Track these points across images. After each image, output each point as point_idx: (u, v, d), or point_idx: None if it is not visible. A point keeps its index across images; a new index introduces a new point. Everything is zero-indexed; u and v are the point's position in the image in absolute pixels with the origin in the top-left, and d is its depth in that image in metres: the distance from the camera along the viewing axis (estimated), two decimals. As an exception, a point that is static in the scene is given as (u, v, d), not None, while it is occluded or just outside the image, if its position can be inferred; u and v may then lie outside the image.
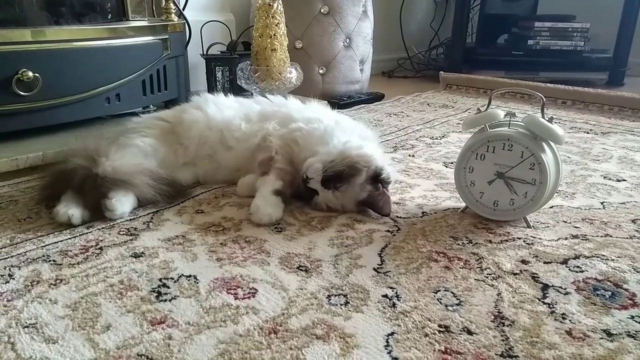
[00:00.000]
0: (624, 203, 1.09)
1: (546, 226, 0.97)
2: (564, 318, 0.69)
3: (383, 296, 0.73)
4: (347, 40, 2.20)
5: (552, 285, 0.76)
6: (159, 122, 1.19)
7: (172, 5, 1.66)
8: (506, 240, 0.91)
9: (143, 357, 0.60)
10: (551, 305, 0.71)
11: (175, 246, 0.87)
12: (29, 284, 0.75)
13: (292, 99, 1.27)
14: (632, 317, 0.69)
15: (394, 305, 0.71)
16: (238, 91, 1.73)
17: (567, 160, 1.39)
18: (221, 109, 1.19)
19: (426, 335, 0.65)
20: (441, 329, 0.66)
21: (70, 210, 0.93)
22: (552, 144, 0.95)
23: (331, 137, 1.06)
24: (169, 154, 1.13)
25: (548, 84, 2.24)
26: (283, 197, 1.00)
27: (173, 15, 1.67)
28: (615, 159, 1.42)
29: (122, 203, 0.96)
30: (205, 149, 1.15)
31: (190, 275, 0.78)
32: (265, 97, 1.27)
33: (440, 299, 0.72)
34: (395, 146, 1.51)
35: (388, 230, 0.94)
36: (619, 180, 1.24)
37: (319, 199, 1.01)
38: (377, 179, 1.00)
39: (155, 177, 1.02)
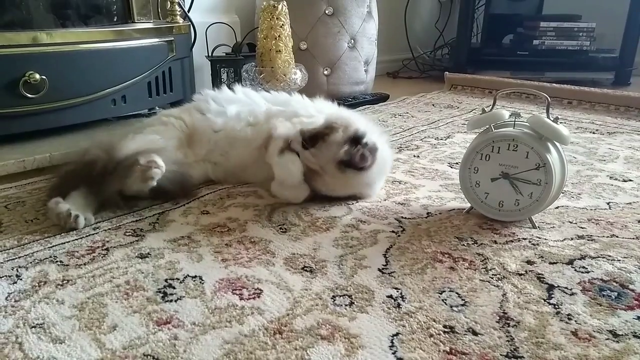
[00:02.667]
0: (630, 203, 1.09)
1: (552, 227, 0.96)
2: (569, 319, 0.68)
3: (388, 297, 0.73)
4: (352, 41, 2.20)
5: (558, 286, 0.76)
6: (164, 118, 1.19)
7: (177, 7, 1.67)
8: (511, 241, 0.90)
9: (149, 357, 0.61)
10: (557, 306, 0.71)
11: (180, 247, 0.88)
12: (36, 284, 0.76)
13: (296, 95, 1.28)
14: (638, 317, 0.68)
15: (398, 305, 0.71)
16: (243, 92, 1.74)
17: (572, 160, 1.39)
18: (224, 106, 1.19)
19: (431, 335, 0.65)
20: (446, 330, 0.66)
21: (74, 212, 0.93)
22: (557, 144, 0.95)
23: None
24: (177, 153, 1.13)
25: (554, 84, 2.23)
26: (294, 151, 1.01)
27: (178, 17, 1.68)
28: (622, 159, 1.41)
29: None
30: (215, 153, 1.16)
31: (195, 276, 0.78)
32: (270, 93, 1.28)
33: (445, 300, 0.72)
34: (400, 147, 1.51)
35: (393, 231, 0.94)
36: (625, 181, 1.23)
37: (301, 159, 1.02)
38: (358, 142, 1.00)
39: (173, 161, 1.03)
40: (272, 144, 1.05)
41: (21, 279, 0.77)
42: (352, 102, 2.14)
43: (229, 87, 1.28)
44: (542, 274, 0.79)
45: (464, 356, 0.61)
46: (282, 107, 1.20)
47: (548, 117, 0.93)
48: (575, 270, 0.80)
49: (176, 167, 1.06)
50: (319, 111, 1.16)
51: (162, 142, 1.09)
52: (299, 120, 1.09)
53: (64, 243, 0.88)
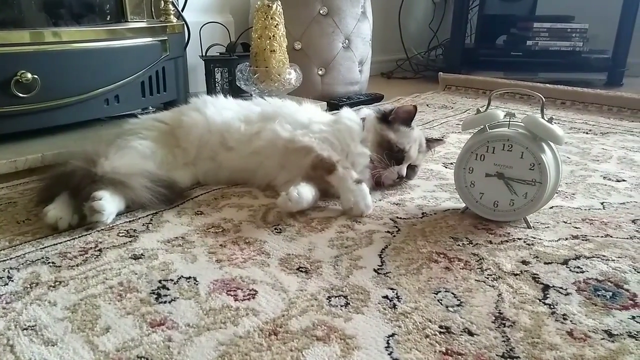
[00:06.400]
0: (623, 203, 1.09)
1: (546, 227, 0.97)
2: (564, 319, 0.68)
3: (383, 297, 0.73)
4: (346, 41, 2.20)
5: (553, 286, 0.76)
6: (157, 123, 1.19)
7: (171, 6, 1.66)
8: (506, 241, 0.90)
9: (143, 359, 0.60)
10: (552, 306, 0.71)
11: (174, 248, 0.87)
12: (28, 286, 0.75)
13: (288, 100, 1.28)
14: (633, 317, 0.69)
15: (394, 306, 0.71)
16: (237, 92, 1.73)
17: (566, 160, 1.39)
18: (220, 110, 1.19)
19: (427, 336, 0.64)
20: (442, 330, 0.66)
21: (58, 213, 0.92)
22: (551, 144, 0.95)
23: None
24: (167, 156, 1.12)
25: (547, 85, 2.24)
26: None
27: (172, 16, 1.67)
28: (615, 159, 1.42)
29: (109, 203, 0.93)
30: (206, 151, 1.15)
31: (189, 277, 0.77)
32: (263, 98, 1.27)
33: (441, 300, 0.72)
34: (395, 147, 1.51)
35: (388, 231, 0.94)
36: (618, 181, 1.24)
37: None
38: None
39: (154, 179, 1.02)
40: (341, 171, 1.03)
41: (12, 281, 0.76)
42: (347, 102, 2.14)
43: (225, 96, 1.28)
44: (537, 274, 0.79)
45: (459, 357, 0.61)
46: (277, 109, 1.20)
47: (543, 118, 0.93)
48: (570, 270, 0.81)
49: (163, 175, 1.05)
50: (309, 119, 1.16)
51: (147, 152, 1.08)
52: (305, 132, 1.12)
53: (56, 244, 0.87)
